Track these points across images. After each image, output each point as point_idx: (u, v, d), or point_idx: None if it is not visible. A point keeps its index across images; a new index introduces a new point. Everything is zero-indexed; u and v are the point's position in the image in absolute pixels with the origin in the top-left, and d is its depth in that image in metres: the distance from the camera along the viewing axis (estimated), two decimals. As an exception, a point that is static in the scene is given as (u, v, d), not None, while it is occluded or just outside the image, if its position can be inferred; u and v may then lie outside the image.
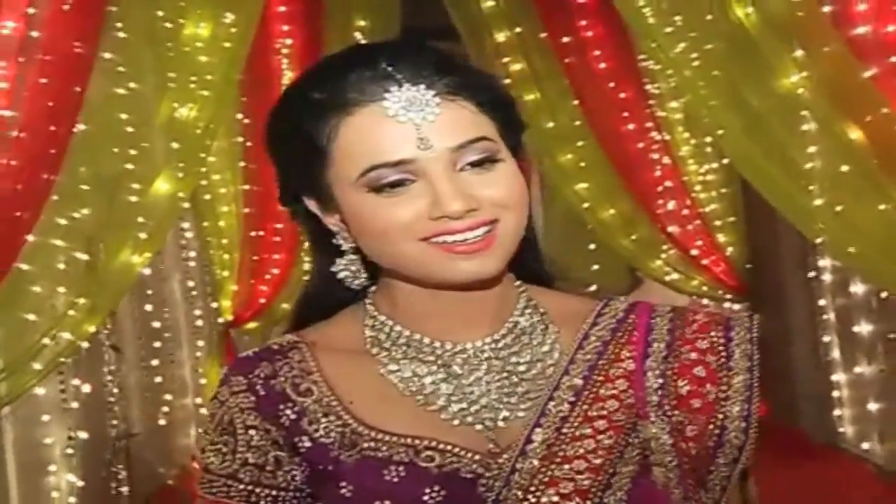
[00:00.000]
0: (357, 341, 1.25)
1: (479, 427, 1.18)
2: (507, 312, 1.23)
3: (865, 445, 5.65)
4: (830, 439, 5.98)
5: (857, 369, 5.62)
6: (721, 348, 1.23)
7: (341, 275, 1.24)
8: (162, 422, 6.17)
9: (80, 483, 4.63)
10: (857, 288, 5.39)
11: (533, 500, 1.13)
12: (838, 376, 5.89)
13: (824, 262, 5.73)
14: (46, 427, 4.49)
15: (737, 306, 6.23)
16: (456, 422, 1.19)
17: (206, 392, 6.80)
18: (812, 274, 5.81)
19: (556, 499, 1.13)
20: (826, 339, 5.94)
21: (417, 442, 1.16)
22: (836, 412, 5.93)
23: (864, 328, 5.43)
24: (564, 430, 1.17)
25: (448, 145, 1.11)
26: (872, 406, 5.49)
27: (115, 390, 4.91)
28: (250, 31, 3.86)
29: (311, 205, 1.22)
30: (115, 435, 4.85)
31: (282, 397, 1.20)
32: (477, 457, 1.16)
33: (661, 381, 1.20)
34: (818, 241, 4.10)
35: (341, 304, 1.30)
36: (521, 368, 1.21)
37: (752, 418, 1.20)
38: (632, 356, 1.22)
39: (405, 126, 1.10)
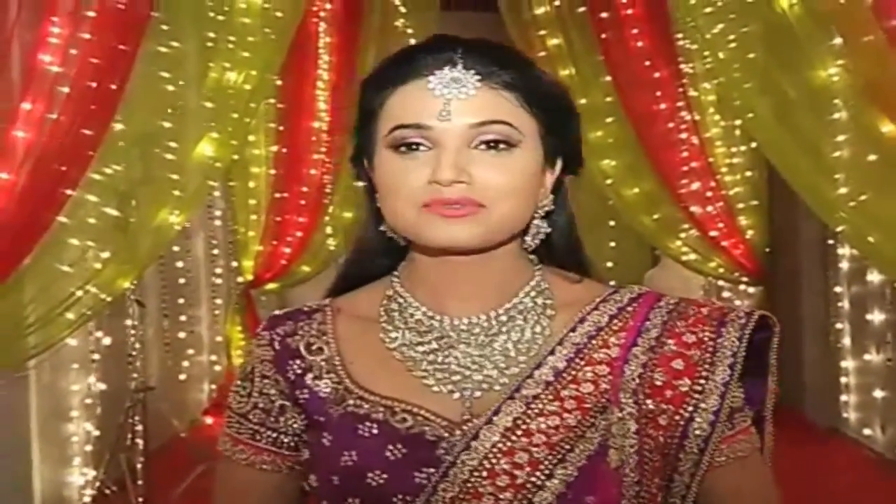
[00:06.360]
0: (374, 309, 1.33)
1: (456, 396, 1.24)
2: (513, 292, 1.28)
3: (867, 432, 5.72)
4: (834, 424, 6.06)
5: (866, 357, 5.66)
6: (708, 343, 1.26)
7: (390, 232, 1.32)
8: (182, 377, 6.26)
9: (97, 432, 4.71)
10: (874, 277, 5.40)
11: (488, 465, 1.19)
12: (847, 363, 5.95)
13: (843, 251, 5.75)
14: (70, 376, 4.57)
15: (752, 289, 6.26)
16: (436, 388, 1.25)
17: (220, 350, 6.88)
18: (829, 261, 5.83)
19: (507, 467, 1.19)
20: (839, 326, 5.97)
21: (395, 404, 1.24)
22: (843, 398, 6.00)
23: (876, 317, 5.45)
24: (534, 406, 1.22)
25: (467, 121, 1.19)
26: (878, 394, 5.53)
27: (137, 344, 4.96)
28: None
29: (366, 165, 1.31)
30: (133, 387, 4.90)
31: (294, 353, 1.31)
32: (444, 422, 1.22)
33: (640, 370, 1.24)
34: (838, 229, 4.12)
35: (380, 272, 1.38)
36: (508, 346, 1.26)
37: (723, 413, 1.25)
38: (619, 344, 1.26)
39: (438, 99, 1.21)
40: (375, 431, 1.23)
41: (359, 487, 1.21)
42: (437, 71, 1.21)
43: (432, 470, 1.20)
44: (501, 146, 1.20)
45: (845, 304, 5.89)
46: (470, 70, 1.21)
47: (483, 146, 1.20)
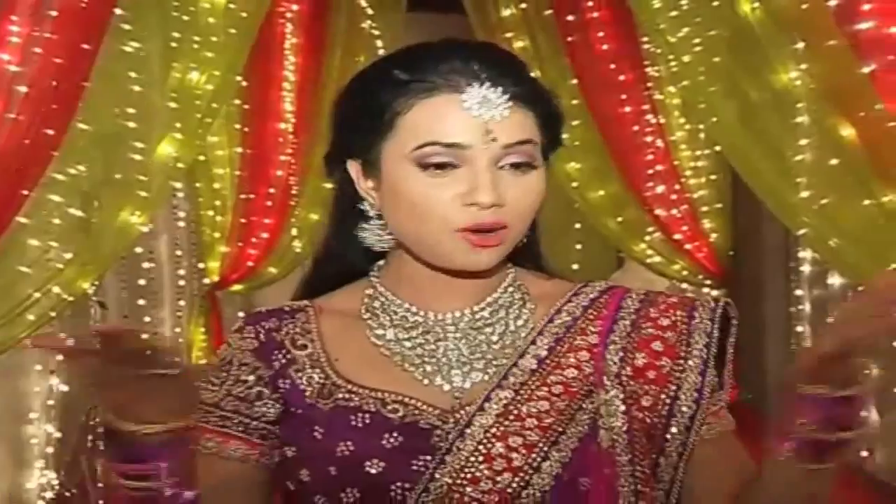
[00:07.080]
0: (355, 307, 1.40)
1: (446, 387, 1.32)
2: (492, 289, 1.37)
3: (826, 434, 5.73)
4: (795, 427, 6.09)
5: (826, 361, 5.67)
6: (683, 326, 1.36)
7: (368, 239, 1.33)
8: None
9: (58, 434, 4.66)
10: (835, 280, 5.41)
11: (483, 450, 1.25)
12: (808, 367, 5.97)
13: (804, 254, 5.77)
14: (32, 377, 4.52)
15: (715, 292, 6.28)
16: (426, 381, 1.32)
17: (184, 352, 6.81)
18: (791, 264, 5.84)
19: (503, 450, 1.24)
20: (800, 329, 5.98)
21: (386, 395, 1.30)
22: (803, 401, 6.03)
23: (837, 321, 5.46)
24: (522, 392, 1.29)
25: (502, 142, 1.25)
26: (837, 398, 5.54)
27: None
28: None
29: (353, 168, 1.33)
30: (96, 389, 4.85)
31: (279, 345, 1.37)
32: (437, 411, 1.29)
33: (620, 354, 1.33)
34: (800, 233, 4.14)
35: (350, 276, 1.44)
36: (493, 338, 1.34)
37: (705, 390, 1.32)
38: (597, 331, 1.35)
39: (475, 119, 1.24)
40: (368, 421, 1.28)
41: (357, 477, 1.26)
42: (468, 88, 1.22)
43: (428, 457, 1.25)
44: (524, 167, 1.25)
45: (806, 307, 5.90)
46: (497, 88, 1.25)
47: (508, 167, 1.25)
